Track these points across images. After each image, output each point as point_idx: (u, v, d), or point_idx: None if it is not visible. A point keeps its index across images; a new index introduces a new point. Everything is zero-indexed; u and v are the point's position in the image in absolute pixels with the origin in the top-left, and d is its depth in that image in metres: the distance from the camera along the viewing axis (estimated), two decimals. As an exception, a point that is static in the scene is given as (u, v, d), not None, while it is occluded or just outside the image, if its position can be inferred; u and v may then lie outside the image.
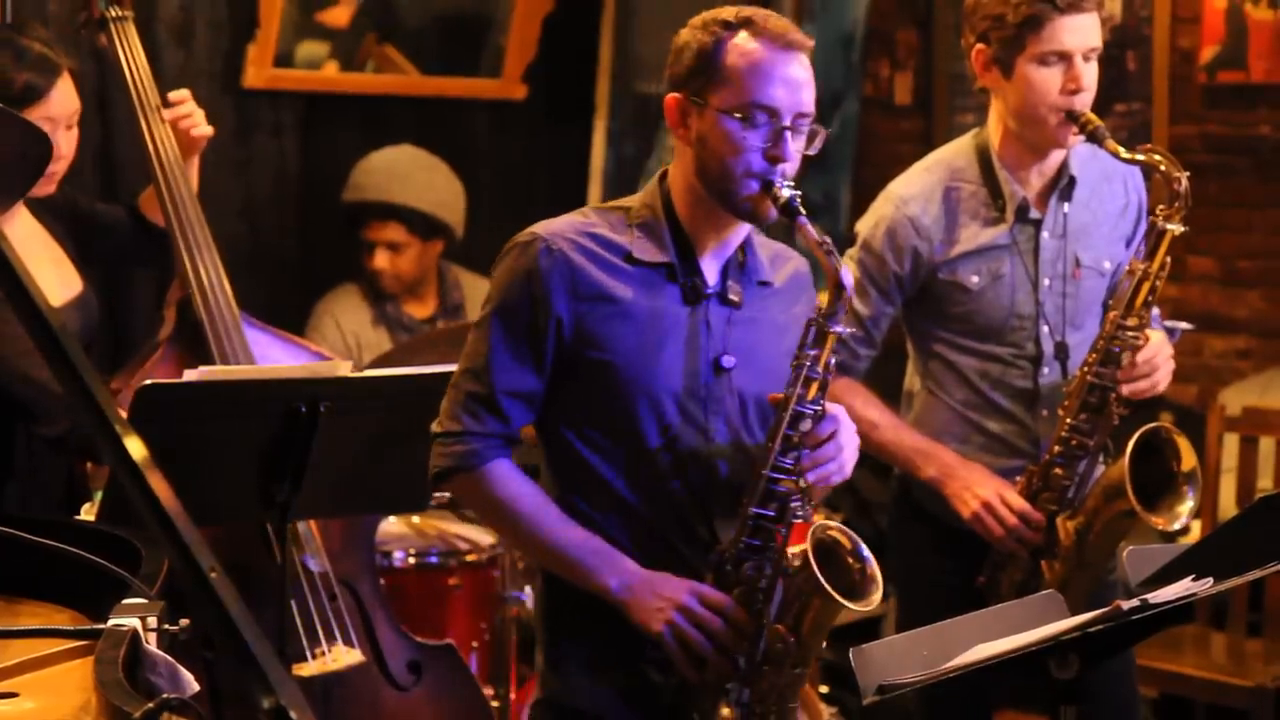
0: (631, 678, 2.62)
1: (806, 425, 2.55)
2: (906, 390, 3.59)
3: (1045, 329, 3.42)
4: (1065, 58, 3.27)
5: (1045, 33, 3.26)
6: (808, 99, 2.57)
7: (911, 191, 3.42)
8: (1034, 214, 3.41)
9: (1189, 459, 3.28)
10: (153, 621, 2.11)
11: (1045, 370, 3.42)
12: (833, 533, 2.52)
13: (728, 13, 2.59)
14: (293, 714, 1.47)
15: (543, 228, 2.62)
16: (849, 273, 2.56)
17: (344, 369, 3.24)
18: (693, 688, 2.56)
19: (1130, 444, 3.22)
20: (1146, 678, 4.49)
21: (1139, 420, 3.33)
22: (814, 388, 2.55)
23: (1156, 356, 3.30)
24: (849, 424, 2.60)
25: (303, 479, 3.16)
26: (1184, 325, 3.57)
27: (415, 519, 4.41)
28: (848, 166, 6.09)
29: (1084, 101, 3.30)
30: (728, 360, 2.62)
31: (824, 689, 5.04)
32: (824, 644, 2.61)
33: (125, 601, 2.13)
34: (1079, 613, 2.35)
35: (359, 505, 3.53)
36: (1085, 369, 3.31)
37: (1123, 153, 3.25)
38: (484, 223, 5.30)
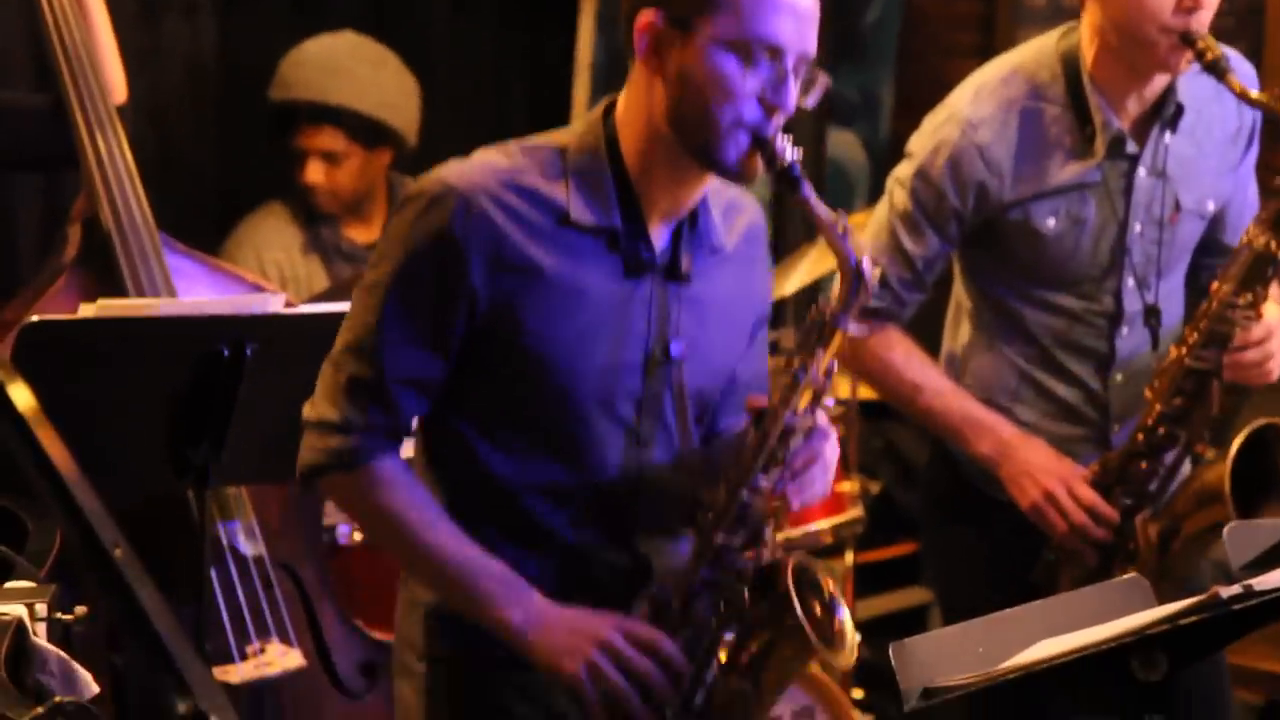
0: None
1: (796, 442, 2.51)
2: (955, 305, 3.58)
3: (1130, 282, 3.41)
4: None
5: None
6: (813, 38, 2.51)
7: (982, 113, 3.40)
8: (1130, 148, 3.39)
9: None
10: (42, 609, 2.12)
11: (1124, 330, 3.42)
12: (812, 571, 2.51)
13: None
14: (214, 721, 1.49)
15: (458, 176, 2.51)
16: (870, 263, 2.48)
17: (276, 304, 3.24)
18: None
19: (1236, 443, 3.23)
20: (1251, 680, 4.51)
21: (1235, 406, 3.34)
22: (807, 397, 2.51)
23: (1271, 339, 3.30)
24: (834, 440, 2.56)
25: (225, 438, 3.17)
26: None
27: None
28: (891, 58, 6.08)
29: (1201, 22, 3.26)
30: (676, 349, 2.58)
31: (858, 694, 5.07)
32: (780, 694, 2.60)
33: (8, 585, 2.14)
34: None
35: (292, 469, 3.53)
36: (1183, 350, 3.31)
37: (1251, 94, 3.24)
38: (441, 129, 5.28)
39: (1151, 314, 3.43)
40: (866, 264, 2.47)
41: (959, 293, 3.58)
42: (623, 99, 2.57)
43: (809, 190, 2.46)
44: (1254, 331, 3.29)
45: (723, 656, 2.53)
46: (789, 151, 2.46)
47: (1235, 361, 3.29)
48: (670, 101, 2.50)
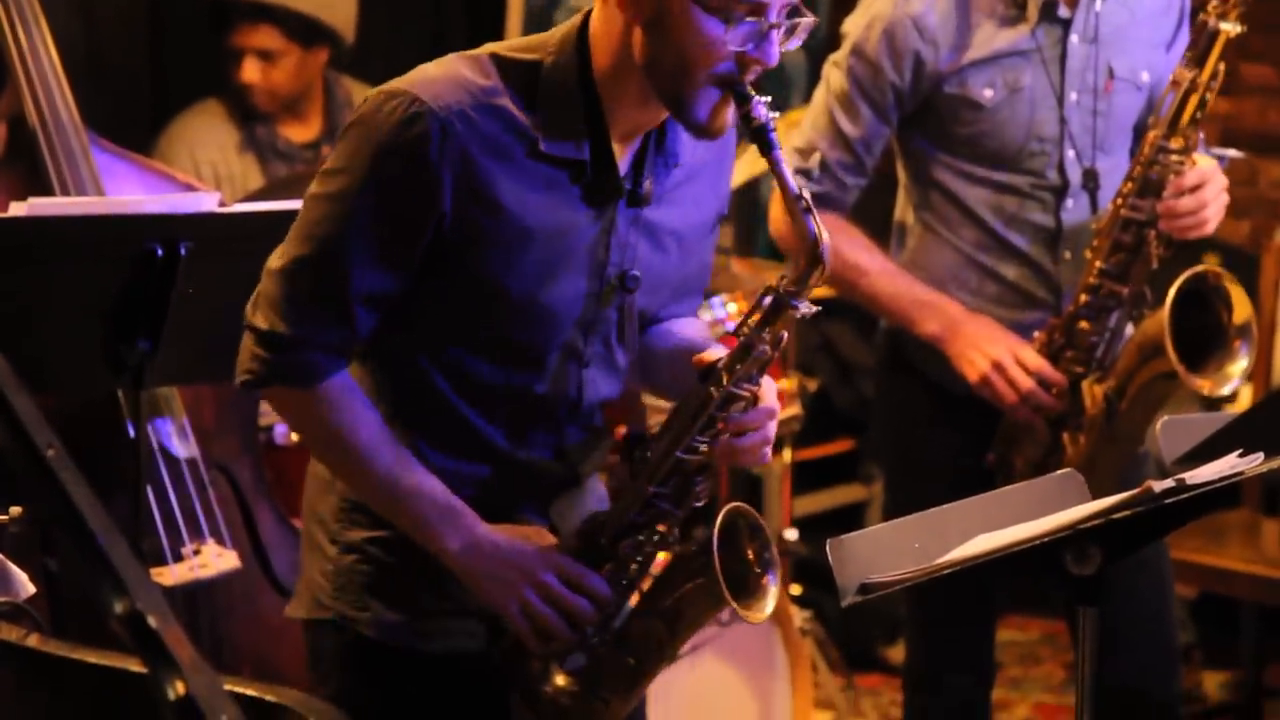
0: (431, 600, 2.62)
1: (739, 408, 2.50)
2: (898, 221, 3.60)
3: (1071, 153, 3.43)
4: None
5: None
6: None
7: None
8: (1062, 12, 3.41)
9: (1242, 309, 3.30)
10: (-23, 511, 2.11)
11: (1070, 203, 3.44)
12: (750, 518, 2.51)
13: None
14: (151, 621, 1.49)
15: (432, 95, 2.42)
16: (829, 244, 2.43)
17: (210, 201, 3.21)
18: (524, 653, 2.58)
19: (1172, 291, 3.24)
20: (1183, 573, 4.56)
21: (1180, 265, 3.36)
22: (755, 366, 2.49)
23: (1205, 186, 3.32)
24: (775, 415, 2.55)
25: (160, 338, 3.15)
26: (1231, 152, 3.59)
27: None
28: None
29: None
30: (632, 280, 2.56)
31: (796, 590, 5.11)
32: (692, 636, 2.61)
33: (-58, 487, 2.13)
34: (1103, 496, 2.38)
35: (229, 370, 3.52)
36: (1119, 200, 3.33)
37: None
38: (380, 25, 5.24)
39: (1090, 177, 3.44)
40: (826, 243, 2.43)
41: (902, 199, 3.59)
42: (598, 17, 2.49)
43: (781, 155, 2.42)
44: (1187, 178, 3.31)
45: (643, 588, 2.58)
46: (764, 111, 2.41)
47: (1170, 209, 3.31)
48: (646, 46, 2.44)
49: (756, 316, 2.48)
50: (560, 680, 2.56)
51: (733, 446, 2.52)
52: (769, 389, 2.53)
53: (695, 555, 2.49)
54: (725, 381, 2.48)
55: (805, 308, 2.47)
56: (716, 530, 2.43)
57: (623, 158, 2.53)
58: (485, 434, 2.57)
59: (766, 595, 2.50)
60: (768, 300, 2.48)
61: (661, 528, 2.56)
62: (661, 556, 2.59)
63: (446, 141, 2.41)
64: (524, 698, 2.58)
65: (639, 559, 2.56)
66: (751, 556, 2.52)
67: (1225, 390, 3.33)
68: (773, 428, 2.54)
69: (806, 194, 2.42)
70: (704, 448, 2.51)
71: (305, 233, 2.48)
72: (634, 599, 2.57)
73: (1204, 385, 3.31)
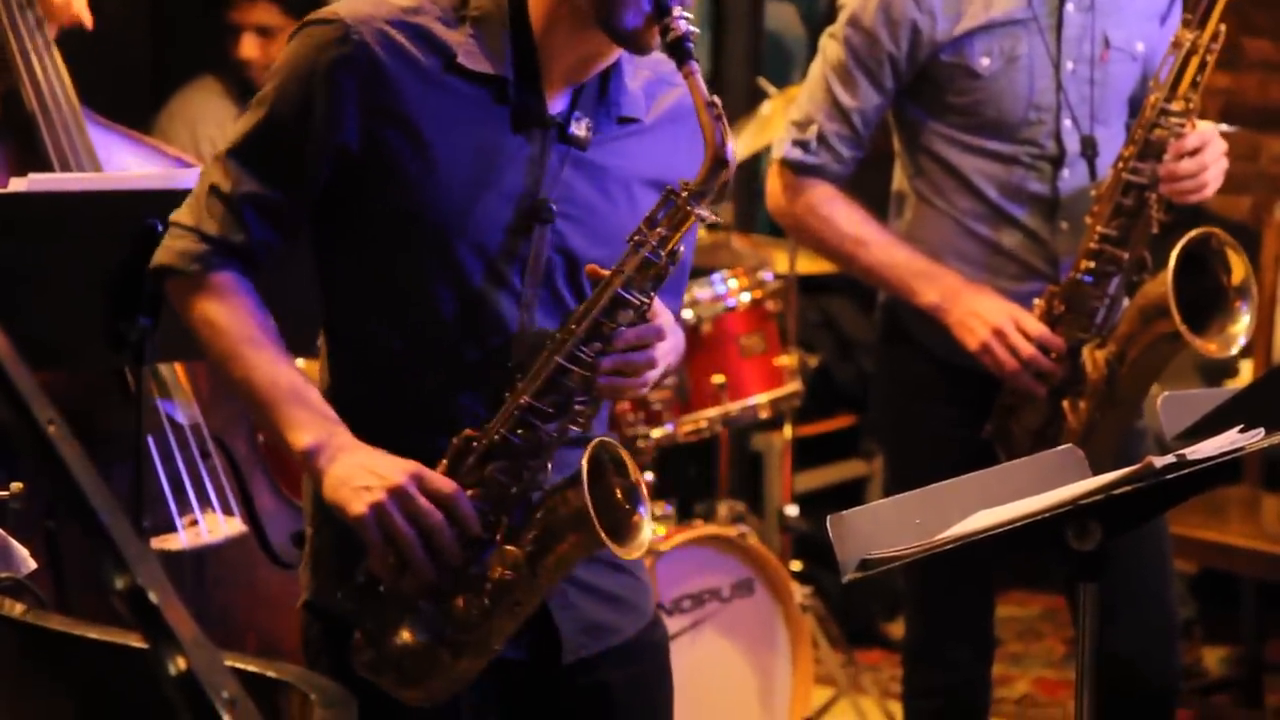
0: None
1: (626, 317, 2.43)
2: (896, 191, 3.60)
3: (1068, 122, 3.44)
4: None
5: None
6: None
7: None
8: None
9: (1240, 269, 3.30)
10: (-22, 487, 2.12)
11: (1066, 173, 3.44)
12: (616, 452, 2.42)
13: None
14: (151, 595, 1.49)
15: (349, 10, 2.45)
16: (733, 147, 2.40)
17: (209, 178, 3.21)
18: (378, 591, 2.45)
19: (1174, 254, 3.24)
20: (1183, 549, 4.57)
21: (1180, 237, 3.35)
22: (649, 274, 2.42)
23: (1205, 149, 3.32)
24: (674, 338, 2.51)
25: (160, 314, 3.15)
26: (1223, 127, 3.58)
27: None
28: (828, -72, 6.04)
29: None
30: (552, 209, 2.50)
31: (797, 566, 5.12)
32: (555, 584, 2.48)
33: (-56, 463, 2.13)
34: (1104, 468, 2.38)
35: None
36: (1120, 164, 3.33)
37: None
38: None
39: (1087, 145, 3.45)
40: (730, 150, 2.40)
41: (899, 174, 3.59)
42: None
43: (695, 66, 2.39)
44: (1188, 140, 3.31)
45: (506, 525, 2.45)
46: (683, 22, 2.39)
47: (1171, 172, 3.31)
48: None
49: (654, 220, 2.43)
50: (405, 636, 2.44)
51: (616, 364, 2.43)
52: (663, 312, 2.48)
53: (564, 487, 2.39)
54: (614, 283, 2.42)
55: (704, 212, 2.42)
56: (586, 461, 2.34)
57: (559, 95, 2.52)
58: (418, 375, 2.51)
59: (640, 531, 2.40)
60: (668, 203, 2.43)
61: (538, 446, 2.44)
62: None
63: (353, 54, 2.43)
64: (366, 638, 2.45)
65: (512, 488, 2.44)
66: (620, 494, 2.42)
67: (1232, 351, 3.33)
68: (661, 352, 2.47)
69: (718, 100, 2.40)
70: (587, 359, 2.42)
71: (229, 133, 2.55)
72: (498, 537, 2.44)
73: (1209, 347, 3.30)
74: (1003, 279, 3.47)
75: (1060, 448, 2.63)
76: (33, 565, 2.31)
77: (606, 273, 2.44)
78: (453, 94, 2.46)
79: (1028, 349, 3.37)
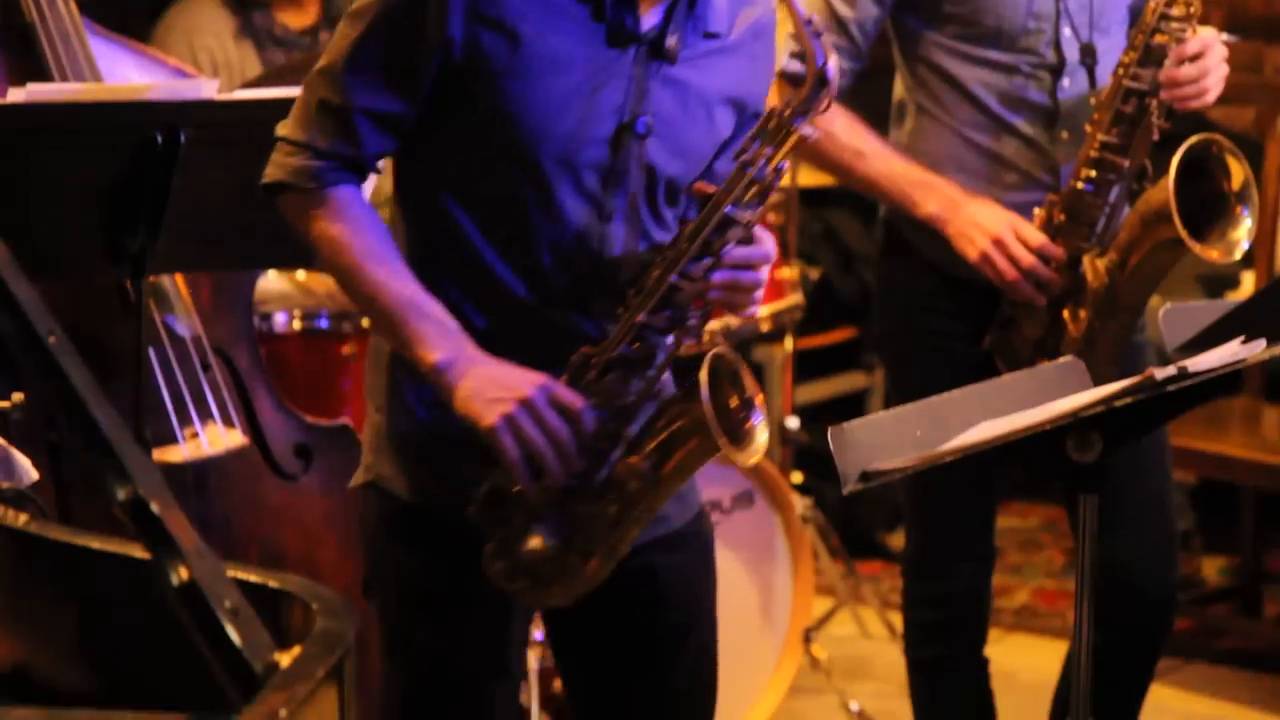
0: (454, 470, 2.61)
1: (734, 235, 2.49)
2: (898, 101, 3.59)
3: (1067, 31, 3.42)
4: None
5: None
6: None
7: None
8: None
9: (1240, 173, 3.29)
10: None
11: (1066, 82, 3.43)
12: (731, 364, 2.48)
13: None
14: (153, 506, 1.49)
15: None
16: (835, 65, 2.45)
17: (209, 88, 3.20)
18: (505, 501, 2.54)
19: (1175, 159, 3.23)
20: (1183, 460, 4.58)
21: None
22: (754, 192, 2.48)
23: (1207, 54, 3.30)
24: (771, 254, 2.54)
25: (160, 225, 3.15)
26: (1227, 36, 3.56)
27: (300, 275, 4.41)
28: None
29: None
30: (642, 125, 2.55)
31: (797, 477, 5.13)
32: (679, 489, 2.58)
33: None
34: (1105, 378, 2.38)
35: (230, 258, 3.52)
36: (1120, 70, 3.32)
37: None
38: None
39: (1087, 53, 3.43)
40: (832, 66, 2.45)
41: (899, 86, 3.58)
42: None
43: None
44: (1189, 45, 3.29)
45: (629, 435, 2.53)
46: None
47: (1172, 78, 3.29)
48: None
49: (758, 139, 2.48)
50: (535, 542, 2.52)
51: (726, 281, 2.49)
52: (767, 237, 2.53)
53: (683, 398, 2.46)
54: (723, 202, 2.48)
55: (808, 129, 2.47)
56: (704, 372, 2.40)
57: (653, 9, 2.55)
58: (510, 285, 2.57)
59: (755, 438, 2.47)
60: (771, 123, 2.48)
61: (653, 358, 2.53)
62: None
63: None
64: (497, 549, 2.54)
65: (630, 398, 2.53)
66: (736, 403, 2.48)
67: (1235, 256, 3.31)
68: (765, 275, 2.53)
69: (815, 19, 2.45)
70: (697, 275, 2.49)
71: (330, 45, 2.56)
72: (620, 447, 2.53)
73: (1212, 253, 3.29)
74: (1002, 189, 3.46)
75: (1061, 359, 2.63)
76: (35, 476, 2.31)
77: (713, 190, 2.49)
78: (550, 7, 2.50)
79: (1028, 258, 3.36)
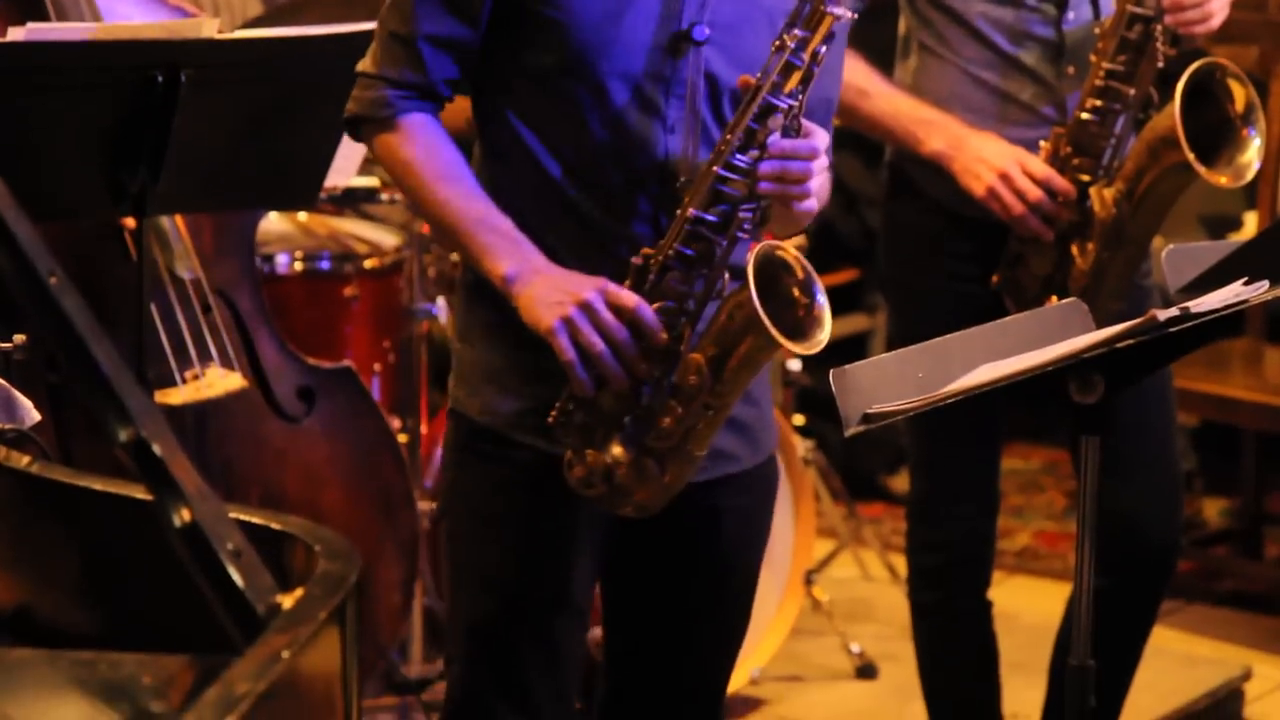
0: (531, 393, 2.63)
1: (777, 123, 2.50)
2: (903, 36, 3.57)
3: (1070, -38, 3.41)
4: None
5: None
6: None
7: None
8: None
9: (1244, 96, 3.27)
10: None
11: (1071, 15, 3.41)
12: (783, 254, 2.47)
13: None
14: (155, 447, 1.49)
15: None
16: None
17: (210, 28, 3.19)
18: (585, 414, 2.56)
19: (1180, 83, 3.21)
20: (1185, 401, 4.57)
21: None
22: (795, 78, 2.49)
23: None
24: (825, 156, 2.55)
25: (161, 166, 3.14)
26: None
27: (302, 216, 4.41)
28: None
29: None
30: (700, 32, 2.58)
31: (799, 420, 5.13)
32: (744, 387, 2.57)
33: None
34: (1109, 315, 2.37)
35: (232, 198, 3.52)
36: None
37: None
38: None
39: None
40: None
41: (904, 24, 3.56)
42: None
43: None
44: None
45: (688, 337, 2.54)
46: None
47: (1175, 3, 3.28)
48: None
49: (793, 24, 2.50)
50: (617, 450, 2.54)
51: (773, 169, 2.49)
52: (817, 133, 2.53)
53: (736, 293, 2.46)
54: (762, 88, 2.49)
55: (841, 10, 2.49)
56: (752, 266, 2.40)
57: None
58: (577, 201, 2.61)
59: (821, 323, 2.46)
60: (805, 7, 2.50)
61: (711, 255, 2.53)
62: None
63: None
64: (576, 455, 2.56)
65: (692, 299, 2.54)
66: (797, 292, 2.48)
67: (1245, 179, 3.29)
68: (818, 168, 2.52)
69: None
70: (744, 166, 2.50)
71: None
72: (686, 347, 2.54)
73: (1221, 178, 3.27)
74: (1008, 125, 3.45)
75: (1065, 301, 2.62)
76: (37, 417, 2.31)
77: (754, 81, 2.51)
78: None
79: (1034, 192, 3.35)
